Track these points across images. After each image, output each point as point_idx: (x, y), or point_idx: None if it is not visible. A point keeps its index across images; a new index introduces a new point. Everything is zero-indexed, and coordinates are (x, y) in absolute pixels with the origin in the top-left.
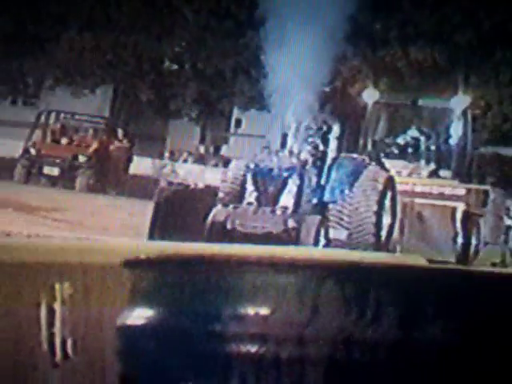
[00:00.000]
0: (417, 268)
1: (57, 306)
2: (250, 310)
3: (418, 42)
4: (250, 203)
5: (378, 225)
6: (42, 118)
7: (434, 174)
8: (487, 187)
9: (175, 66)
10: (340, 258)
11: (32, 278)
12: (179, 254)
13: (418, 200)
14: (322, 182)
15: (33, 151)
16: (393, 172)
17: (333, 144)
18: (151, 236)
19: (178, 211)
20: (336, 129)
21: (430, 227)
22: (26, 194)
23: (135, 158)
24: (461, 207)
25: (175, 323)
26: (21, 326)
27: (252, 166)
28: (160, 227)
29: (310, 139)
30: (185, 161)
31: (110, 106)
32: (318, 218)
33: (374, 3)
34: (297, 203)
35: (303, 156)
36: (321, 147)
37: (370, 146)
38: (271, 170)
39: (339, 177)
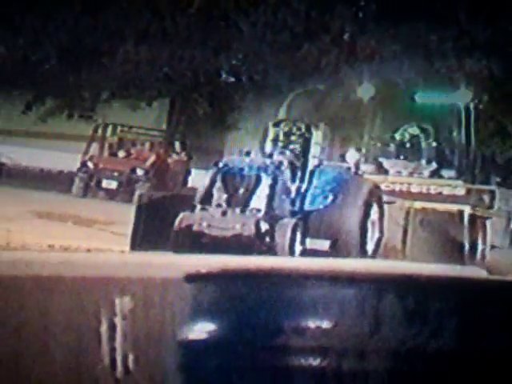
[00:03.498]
0: (476, 280)
1: (118, 321)
2: (312, 324)
3: (473, 54)
4: (219, 205)
5: (363, 237)
6: (99, 131)
7: (435, 173)
8: (493, 187)
9: (232, 79)
10: (399, 270)
11: (92, 293)
12: (240, 268)
13: (418, 203)
14: (302, 189)
15: (90, 165)
16: (392, 172)
17: (314, 150)
18: (133, 245)
19: (159, 218)
20: (317, 134)
21: (434, 234)
22: (84, 208)
23: (193, 171)
24: (466, 210)
25: (236, 337)
26: (82, 341)
27: (221, 165)
28: (142, 235)
29: (291, 145)
30: None
31: (167, 119)
32: (292, 221)
33: (429, 15)
34: (269, 205)
35: (277, 157)
36: (301, 153)
37: (366, 145)
38: (241, 169)
39: (321, 184)
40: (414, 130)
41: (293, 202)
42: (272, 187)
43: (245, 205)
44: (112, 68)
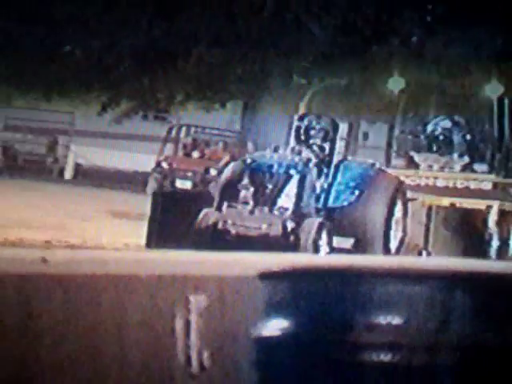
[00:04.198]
0: None
1: (192, 318)
2: (383, 320)
3: None
4: (245, 202)
5: (387, 235)
6: (174, 132)
7: (467, 167)
8: None
9: (303, 81)
10: (468, 267)
11: (167, 291)
12: (312, 266)
13: (440, 200)
14: (326, 185)
15: (165, 165)
16: (423, 166)
17: (339, 145)
18: (149, 243)
19: (178, 214)
20: (342, 128)
21: (458, 231)
22: None
23: None
24: (494, 205)
25: (309, 334)
26: (158, 338)
27: (249, 161)
28: (159, 232)
29: (314, 140)
30: None
31: (240, 120)
32: (318, 220)
33: (494, 18)
34: (297, 204)
35: (305, 154)
36: (326, 149)
37: (396, 138)
38: (270, 166)
39: (345, 180)
40: (446, 123)
41: (317, 199)
42: (301, 185)
43: (272, 203)
44: (186, 70)
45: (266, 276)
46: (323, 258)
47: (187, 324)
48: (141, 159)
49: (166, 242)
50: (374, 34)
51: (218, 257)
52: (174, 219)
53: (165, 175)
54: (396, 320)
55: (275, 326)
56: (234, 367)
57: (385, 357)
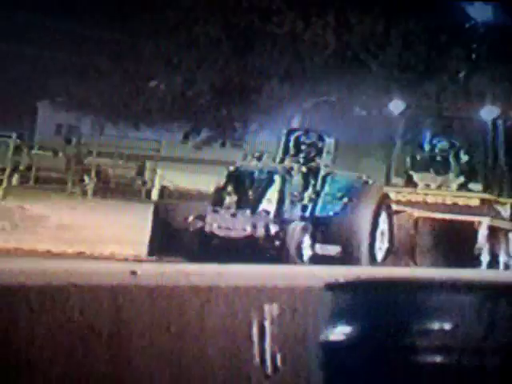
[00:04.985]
0: None
1: (267, 325)
2: (435, 325)
3: None
4: (229, 207)
5: (373, 245)
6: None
7: (463, 186)
8: None
9: (363, 112)
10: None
11: (244, 300)
12: (372, 278)
13: (428, 213)
14: (314, 196)
15: None
16: (421, 185)
17: (326, 158)
18: (151, 252)
19: (174, 224)
20: (330, 143)
21: (446, 245)
22: None
23: None
24: (483, 221)
25: (370, 338)
26: (235, 343)
27: (232, 168)
28: (159, 242)
29: (302, 154)
30: None
31: None
32: (301, 224)
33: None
34: (279, 209)
35: (287, 163)
36: (313, 162)
37: (396, 158)
38: (252, 173)
39: (332, 192)
40: (443, 145)
41: (304, 208)
42: (282, 191)
43: (254, 207)
44: (259, 103)
45: (332, 287)
46: (382, 271)
47: (262, 330)
48: (219, 182)
49: (166, 249)
50: (425, 70)
51: (288, 269)
52: (172, 228)
53: None
54: (448, 326)
55: (340, 332)
56: (303, 368)
57: (438, 359)
